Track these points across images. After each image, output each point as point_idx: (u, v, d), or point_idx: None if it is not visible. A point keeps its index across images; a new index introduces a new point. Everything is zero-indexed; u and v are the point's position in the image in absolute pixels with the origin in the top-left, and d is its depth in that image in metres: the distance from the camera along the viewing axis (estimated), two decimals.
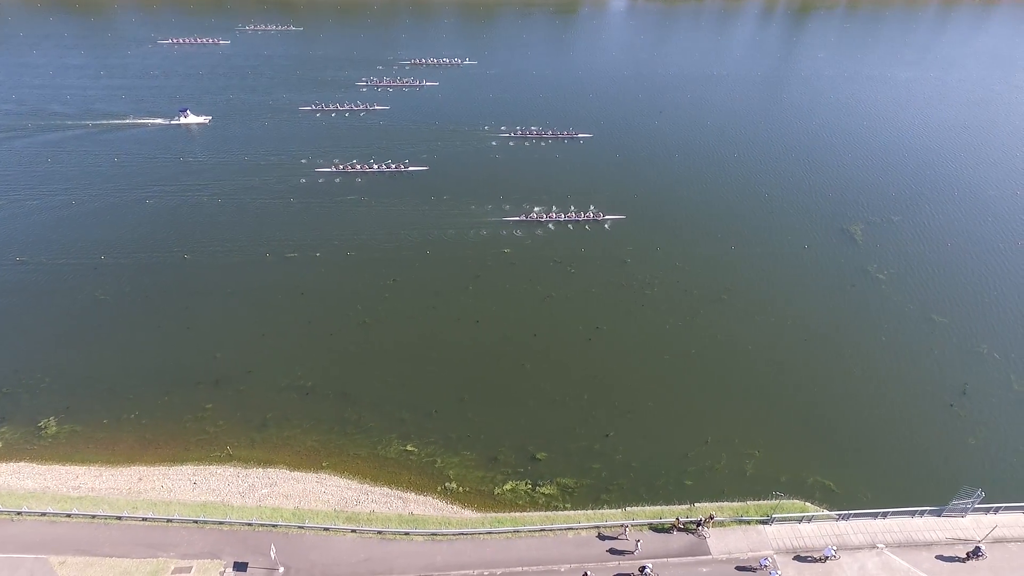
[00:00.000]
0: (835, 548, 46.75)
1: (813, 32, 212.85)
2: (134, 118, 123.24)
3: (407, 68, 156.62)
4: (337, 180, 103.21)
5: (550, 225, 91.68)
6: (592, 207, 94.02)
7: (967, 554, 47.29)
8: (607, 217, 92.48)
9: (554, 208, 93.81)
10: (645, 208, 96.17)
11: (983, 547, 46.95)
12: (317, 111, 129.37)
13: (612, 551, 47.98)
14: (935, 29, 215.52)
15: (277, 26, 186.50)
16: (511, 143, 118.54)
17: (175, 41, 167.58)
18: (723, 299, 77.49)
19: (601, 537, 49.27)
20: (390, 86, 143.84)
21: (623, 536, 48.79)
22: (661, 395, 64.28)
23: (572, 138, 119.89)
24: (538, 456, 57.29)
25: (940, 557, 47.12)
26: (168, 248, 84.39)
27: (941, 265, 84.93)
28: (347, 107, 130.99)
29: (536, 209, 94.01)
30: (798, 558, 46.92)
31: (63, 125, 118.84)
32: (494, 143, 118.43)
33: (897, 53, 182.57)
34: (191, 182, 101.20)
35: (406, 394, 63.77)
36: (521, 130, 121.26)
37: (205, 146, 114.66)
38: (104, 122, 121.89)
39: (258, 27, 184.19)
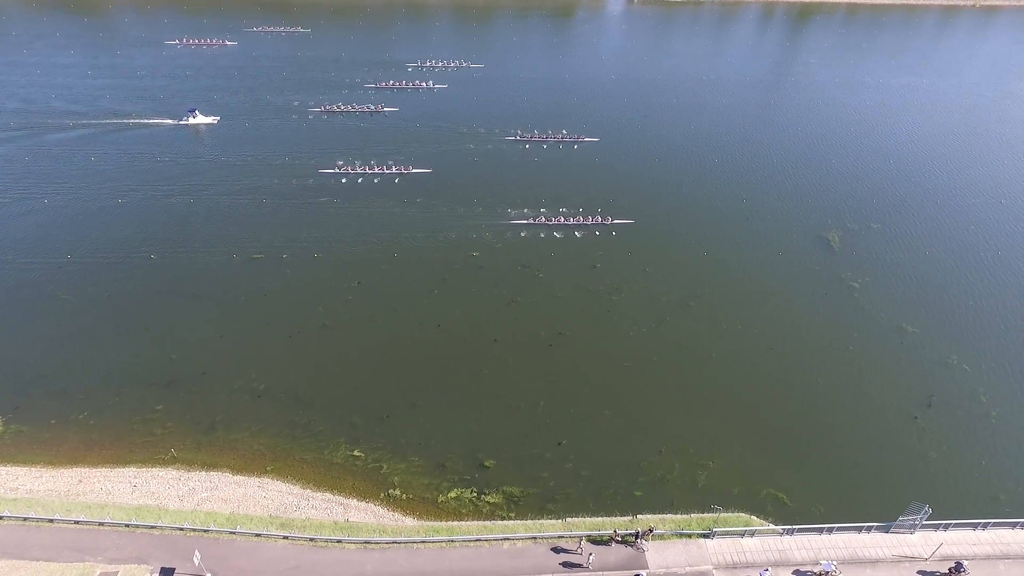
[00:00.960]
0: (769, 569, 45.41)
1: (809, 37, 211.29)
2: (142, 118, 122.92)
3: (415, 70, 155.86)
4: (343, 181, 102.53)
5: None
6: (600, 211, 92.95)
7: (949, 569, 46.09)
8: (615, 222, 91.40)
9: (561, 212, 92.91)
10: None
11: (965, 563, 45.61)
12: (325, 112, 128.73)
13: (564, 564, 46.73)
14: (933, 35, 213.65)
15: (285, 28, 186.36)
16: (518, 146, 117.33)
17: (182, 42, 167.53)
18: (691, 306, 76.31)
19: (556, 550, 48.01)
20: (398, 88, 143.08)
21: (577, 550, 47.44)
22: (618, 403, 63.15)
23: (579, 142, 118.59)
24: (486, 464, 56.26)
25: (922, 573, 45.82)
26: (137, 249, 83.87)
27: (918, 274, 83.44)
28: (355, 108, 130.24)
29: (542, 212, 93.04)
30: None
31: (65, 125, 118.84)
32: (503, 146, 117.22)
33: (892, 59, 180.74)
34: (176, 183, 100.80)
35: (360, 398, 62.95)
36: (529, 133, 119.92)
37: (212, 146, 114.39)
38: (109, 121, 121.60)
39: (266, 29, 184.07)
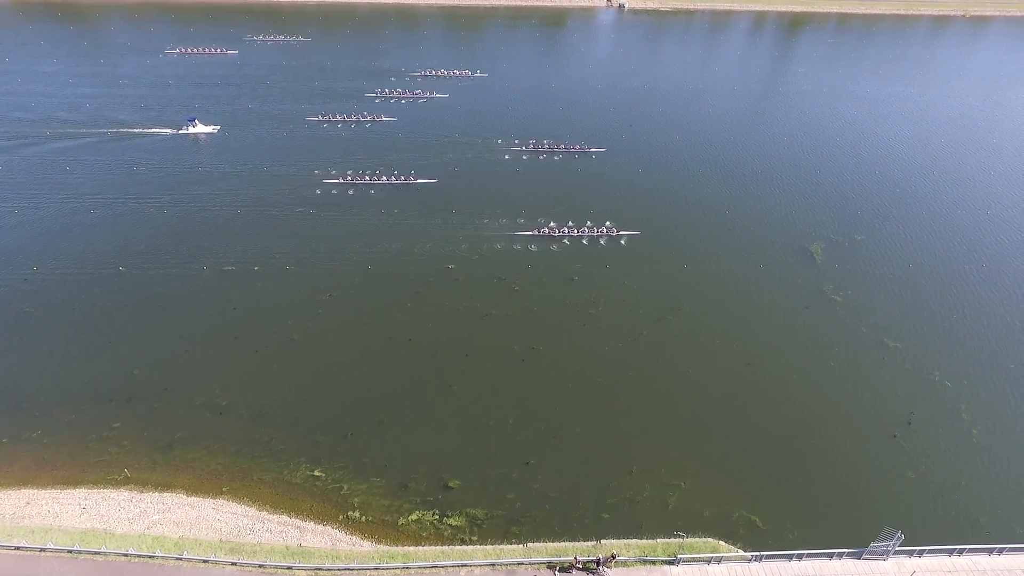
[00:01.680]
0: None
1: (799, 46, 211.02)
2: (137, 127, 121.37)
3: (417, 79, 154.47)
4: (350, 192, 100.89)
5: (565, 240, 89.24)
6: (608, 222, 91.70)
7: None
8: (622, 232, 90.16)
9: (568, 223, 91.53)
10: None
11: None
12: (325, 121, 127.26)
13: None
14: (924, 45, 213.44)
15: (285, 37, 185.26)
16: (523, 156, 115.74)
17: (183, 51, 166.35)
18: (668, 320, 74.79)
19: None
20: (401, 97, 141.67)
21: None
22: (590, 421, 61.49)
23: (584, 152, 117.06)
24: (451, 484, 54.49)
25: None
26: (107, 261, 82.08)
27: (901, 287, 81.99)
28: (355, 118, 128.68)
29: (572, 223, 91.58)
30: None
31: (70, 134, 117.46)
32: (506, 156, 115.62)
33: (881, 69, 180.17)
34: (158, 194, 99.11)
35: (324, 415, 61.23)
36: (533, 143, 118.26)
37: (210, 155, 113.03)
38: (110, 131, 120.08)
39: (267, 37, 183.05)
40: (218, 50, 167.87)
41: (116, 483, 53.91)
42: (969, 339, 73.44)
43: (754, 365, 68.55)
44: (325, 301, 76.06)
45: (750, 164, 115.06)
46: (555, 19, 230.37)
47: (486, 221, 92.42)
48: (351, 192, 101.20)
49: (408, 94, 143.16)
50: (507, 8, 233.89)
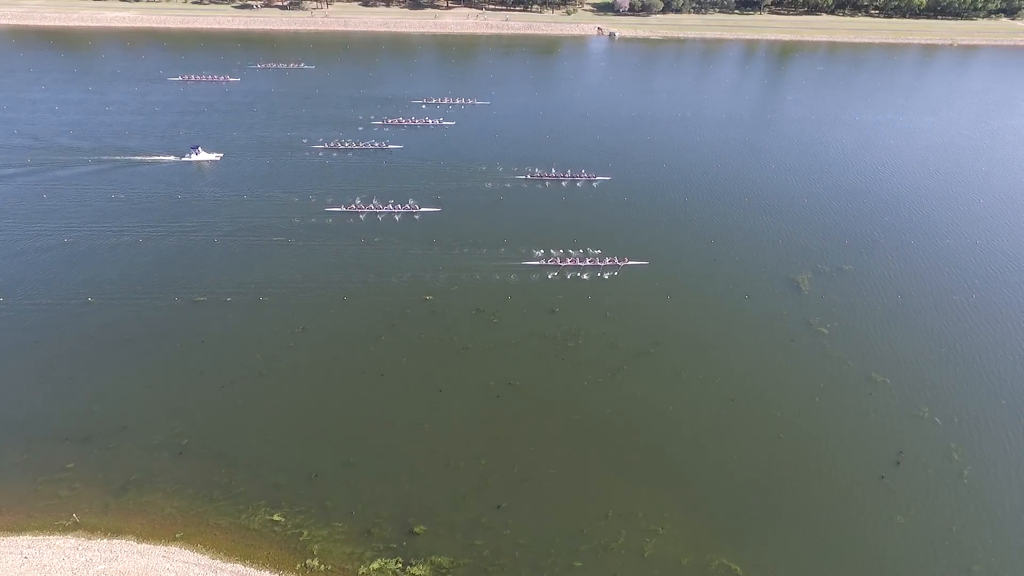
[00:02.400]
0: None
1: (788, 74, 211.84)
2: (144, 155, 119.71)
3: (422, 107, 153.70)
4: (349, 220, 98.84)
5: (551, 271, 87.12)
6: (612, 251, 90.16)
7: None
8: (629, 262, 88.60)
9: (571, 252, 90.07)
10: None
11: None
12: (332, 149, 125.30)
13: None
14: (913, 73, 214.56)
15: (287, 64, 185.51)
16: (525, 185, 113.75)
17: (185, 78, 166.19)
18: (650, 353, 72.68)
19: None
20: (404, 124, 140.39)
21: None
22: (566, 461, 59.17)
23: (589, 181, 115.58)
24: (416, 530, 52.04)
25: None
26: (76, 291, 79.81)
27: (889, 319, 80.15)
28: (359, 145, 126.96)
29: (553, 252, 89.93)
30: None
31: (73, 161, 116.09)
32: (508, 184, 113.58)
33: (869, 97, 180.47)
34: (123, 224, 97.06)
35: (289, 455, 58.83)
36: (539, 172, 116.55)
37: (212, 183, 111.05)
38: (111, 158, 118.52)
39: (268, 65, 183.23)
40: (220, 78, 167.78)
41: (64, 529, 51.36)
42: (959, 373, 71.45)
43: (737, 402, 66.40)
44: (297, 334, 73.92)
45: (737, 192, 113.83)
46: (547, 47, 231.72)
47: (466, 250, 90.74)
48: (351, 220, 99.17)
49: (414, 121, 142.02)
50: (500, 37, 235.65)
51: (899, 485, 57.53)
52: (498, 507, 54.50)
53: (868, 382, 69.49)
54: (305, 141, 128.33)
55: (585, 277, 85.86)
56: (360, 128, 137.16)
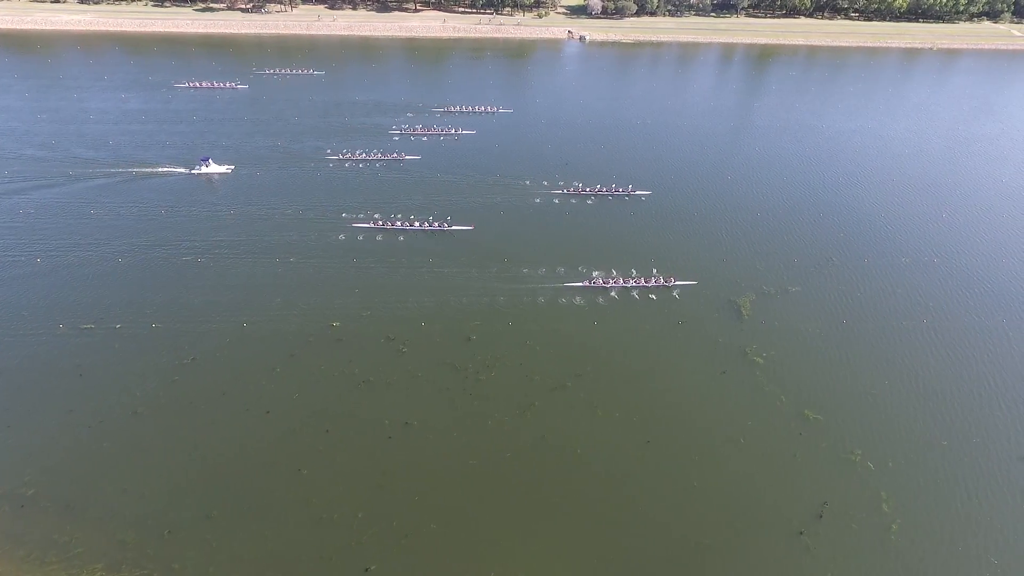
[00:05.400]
0: None
1: (758, 80, 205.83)
2: (152, 167, 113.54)
3: (440, 115, 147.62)
4: (378, 237, 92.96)
5: (612, 293, 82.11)
6: (655, 271, 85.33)
7: None
8: (676, 283, 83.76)
9: (614, 272, 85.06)
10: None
11: None
12: (346, 160, 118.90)
13: None
14: (891, 79, 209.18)
15: (296, 70, 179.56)
16: (557, 200, 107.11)
17: (191, 85, 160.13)
18: (567, 387, 67.00)
19: None
20: (424, 134, 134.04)
21: None
22: (451, 513, 53.53)
23: (631, 195, 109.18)
24: None
25: None
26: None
27: (831, 347, 74.67)
28: (376, 156, 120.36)
29: (595, 274, 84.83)
30: None
31: (85, 175, 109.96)
32: (537, 200, 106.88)
33: (841, 102, 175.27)
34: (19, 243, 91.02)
35: (145, 507, 53.09)
36: (575, 186, 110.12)
37: (224, 196, 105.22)
38: (121, 170, 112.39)
39: (276, 71, 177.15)
40: (227, 84, 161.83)
41: None
42: (900, 410, 66.04)
43: (653, 444, 60.86)
44: (186, 365, 68.04)
45: (677, 205, 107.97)
46: (518, 50, 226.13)
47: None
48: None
49: (433, 130, 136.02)
50: (463, 40, 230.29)
51: (818, 543, 51.97)
52: (366, 570, 48.82)
53: (800, 420, 63.95)
54: (328, 152, 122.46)
55: (503, 299, 79.96)
56: (373, 138, 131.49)
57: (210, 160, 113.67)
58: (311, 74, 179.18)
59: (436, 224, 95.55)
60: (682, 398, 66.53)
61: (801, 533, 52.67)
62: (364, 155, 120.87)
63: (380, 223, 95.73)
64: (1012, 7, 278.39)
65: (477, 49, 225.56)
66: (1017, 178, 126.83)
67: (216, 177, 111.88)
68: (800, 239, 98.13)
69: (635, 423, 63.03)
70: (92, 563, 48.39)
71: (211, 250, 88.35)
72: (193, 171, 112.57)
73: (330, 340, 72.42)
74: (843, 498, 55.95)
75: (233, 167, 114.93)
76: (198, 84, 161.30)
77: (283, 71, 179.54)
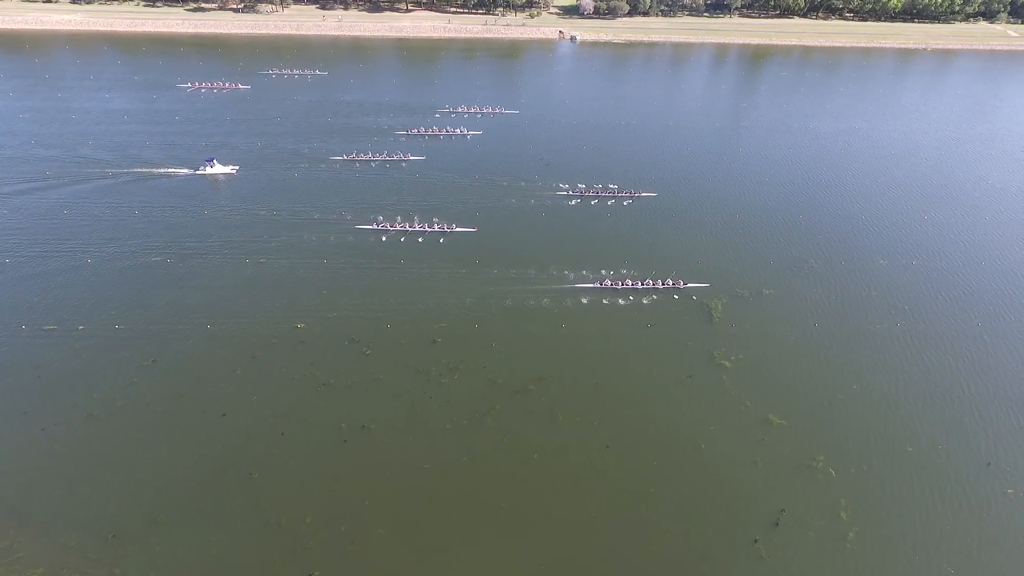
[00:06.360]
0: None
1: (748, 80, 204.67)
2: (157, 168, 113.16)
3: (446, 116, 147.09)
4: (383, 239, 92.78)
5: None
6: (673, 273, 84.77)
7: None
8: (689, 285, 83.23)
9: (626, 274, 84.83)
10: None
11: None
12: (351, 160, 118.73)
13: None
14: (884, 79, 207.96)
15: (300, 71, 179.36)
16: (568, 201, 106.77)
17: (195, 85, 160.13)
18: (529, 391, 66.18)
19: None
20: (429, 135, 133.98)
21: None
22: (402, 519, 52.87)
23: (636, 197, 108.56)
24: None
25: None
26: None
27: (801, 351, 73.78)
28: (381, 157, 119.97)
29: (608, 275, 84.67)
30: None
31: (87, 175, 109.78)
32: (547, 201, 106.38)
33: (832, 103, 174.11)
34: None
35: (92, 510, 52.47)
36: (581, 187, 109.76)
37: (228, 197, 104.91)
38: (123, 170, 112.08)
39: (282, 71, 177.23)
40: (230, 85, 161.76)
41: None
42: (866, 415, 65.06)
43: (612, 448, 60.03)
44: (146, 367, 67.46)
45: (663, 208, 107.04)
46: (510, 50, 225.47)
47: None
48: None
49: (436, 131, 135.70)
50: (455, 40, 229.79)
51: (772, 551, 51.06)
52: None
53: (763, 425, 63.02)
54: (332, 152, 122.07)
55: (470, 301, 79.25)
56: (376, 139, 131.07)
57: (215, 160, 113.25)
58: (315, 74, 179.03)
59: (440, 226, 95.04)
60: (645, 402, 65.70)
61: (756, 541, 51.76)
62: (368, 156, 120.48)
63: (383, 224, 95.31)
64: (1008, 7, 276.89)
65: (468, 49, 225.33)
66: (1003, 179, 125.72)
67: (221, 178, 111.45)
68: (778, 241, 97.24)
69: (595, 427, 62.24)
70: (32, 567, 47.77)
71: (178, 251, 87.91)
72: (197, 171, 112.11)
73: (294, 342, 71.77)
74: (801, 505, 55.02)
75: (238, 167, 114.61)
76: (200, 85, 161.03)
77: (287, 71, 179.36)
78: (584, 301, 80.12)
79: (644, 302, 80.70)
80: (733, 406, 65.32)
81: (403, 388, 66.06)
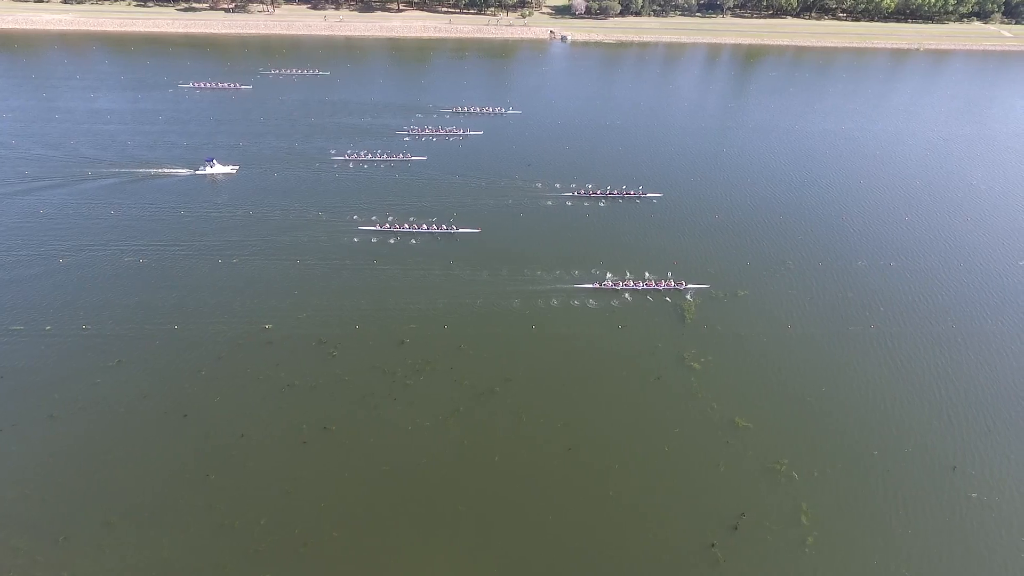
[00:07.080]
0: None
1: (737, 80, 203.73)
2: (156, 168, 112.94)
3: (447, 116, 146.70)
4: (390, 240, 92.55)
5: (626, 295, 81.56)
6: (670, 274, 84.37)
7: None
8: (689, 286, 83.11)
9: (628, 275, 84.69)
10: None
11: None
12: (351, 161, 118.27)
13: None
14: (876, 79, 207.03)
15: (301, 70, 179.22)
16: (569, 202, 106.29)
17: (196, 85, 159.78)
18: (495, 392, 65.76)
19: None
20: (432, 135, 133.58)
21: None
22: (357, 521, 52.54)
23: (642, 198, 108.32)
24: None
25: None
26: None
27: (772, 353, 73.22)
28: (381, 157, 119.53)
29: (609, 276, 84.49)
30: None
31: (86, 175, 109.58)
32: (549, 202, 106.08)
33: (819, 103, 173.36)
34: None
35: (45, 512, 52.27)
36: (585, 189, 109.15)
37: (228, 197, 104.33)
38: (123, 170, 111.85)
39: (281, 71, 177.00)
40: (232, 85, 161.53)
41: None
42: (834, 417, 64.58)
43: (574, 451, 59.61)
44: (111, 368, 67.12)
45: (642, 208, 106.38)
46: (501, 50, 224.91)
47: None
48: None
49: (440, 131, 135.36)
50: (447, 40, 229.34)
51: (728, 556, 50.59)
52: None
53: (729, 428, 62.53)
54: (333, 152, 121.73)
55: (442, 303, 78.79)
56: (378, 138, 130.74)
57: (215, 160, 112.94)
58: (316, 74, 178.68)
59: (442, 226, 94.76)
60: (612, 405, 65.22)
61: (713, 546, 51.31)
62: (369, 156, 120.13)
63: (385, 225, 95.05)
64: (1002, 7, 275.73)
65: (460, 49, 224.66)
66: (987, 180, 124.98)
67: (220, 177, 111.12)
68: (757, 242, 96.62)
69: (559, 429, 61.81)
70: None
71: (154, 252, 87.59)
72: (197, 171, 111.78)
73: (260, 343, 71.37)
74: (762, 509, 54.57)
75: (238, 167, 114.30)
76: (202, 85, 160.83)
77: (288, 71, 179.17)
78: (555, 303, 79.57)
79: (614, 304, 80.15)
80: (699, 408, 64.85)
81: (368, 389, 65.67)
